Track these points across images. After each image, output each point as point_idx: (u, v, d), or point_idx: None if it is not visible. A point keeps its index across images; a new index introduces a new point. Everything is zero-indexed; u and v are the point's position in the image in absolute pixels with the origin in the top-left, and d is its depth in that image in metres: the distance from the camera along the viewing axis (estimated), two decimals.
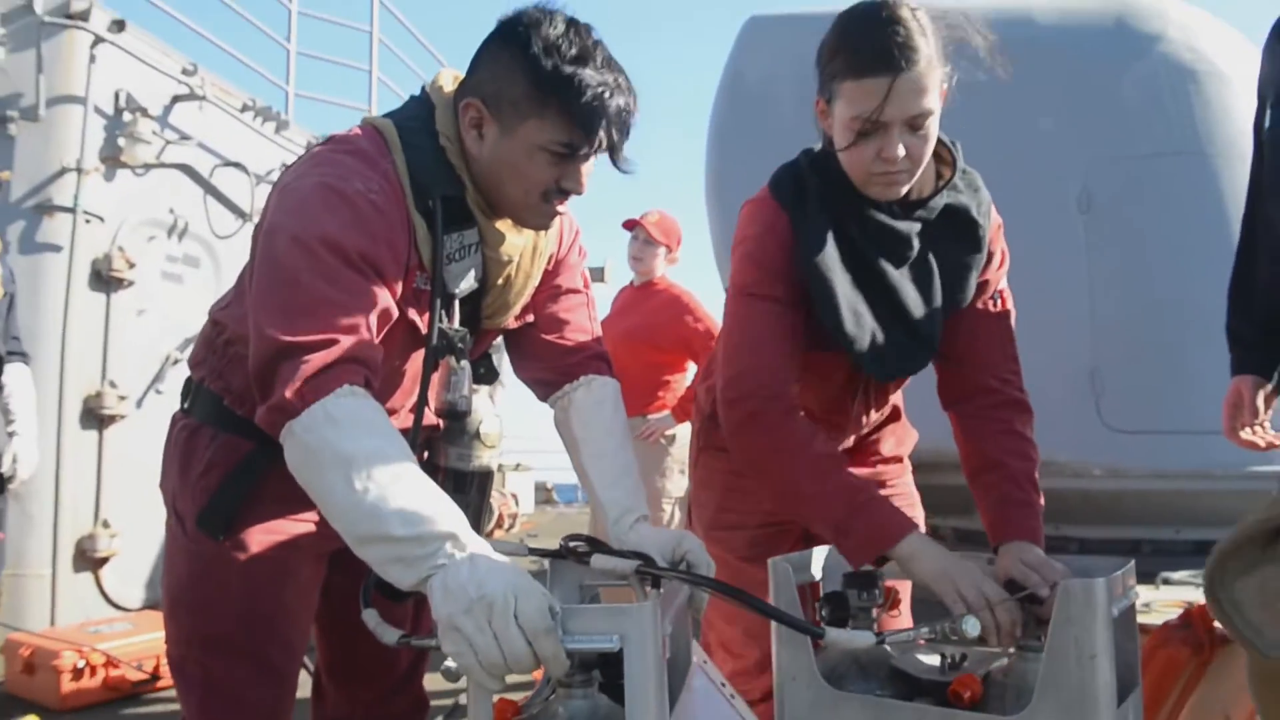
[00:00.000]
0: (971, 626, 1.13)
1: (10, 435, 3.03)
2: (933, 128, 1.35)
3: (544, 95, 1.20)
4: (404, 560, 0.98)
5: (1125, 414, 3.73)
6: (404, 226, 1.25)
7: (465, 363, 1.35)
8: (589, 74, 1.20)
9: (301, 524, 1.39)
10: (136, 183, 4.51)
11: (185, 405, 1.43)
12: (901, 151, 1.32)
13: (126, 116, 4.41)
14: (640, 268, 3.79)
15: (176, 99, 4.72)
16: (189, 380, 1.45)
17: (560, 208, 1.32)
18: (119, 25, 4.38)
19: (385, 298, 1.19)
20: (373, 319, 1.16)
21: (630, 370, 3.62)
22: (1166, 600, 2.08)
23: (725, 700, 1.24)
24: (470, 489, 1.50)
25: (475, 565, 0.95)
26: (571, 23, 1.24)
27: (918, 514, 1.75)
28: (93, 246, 4.29)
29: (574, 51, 1.21)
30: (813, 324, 1.45)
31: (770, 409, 1.39)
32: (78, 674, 3.32)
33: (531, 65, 1.20)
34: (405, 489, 1.01)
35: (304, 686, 1.53)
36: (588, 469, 1.44)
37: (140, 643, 3.51)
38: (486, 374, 1.56)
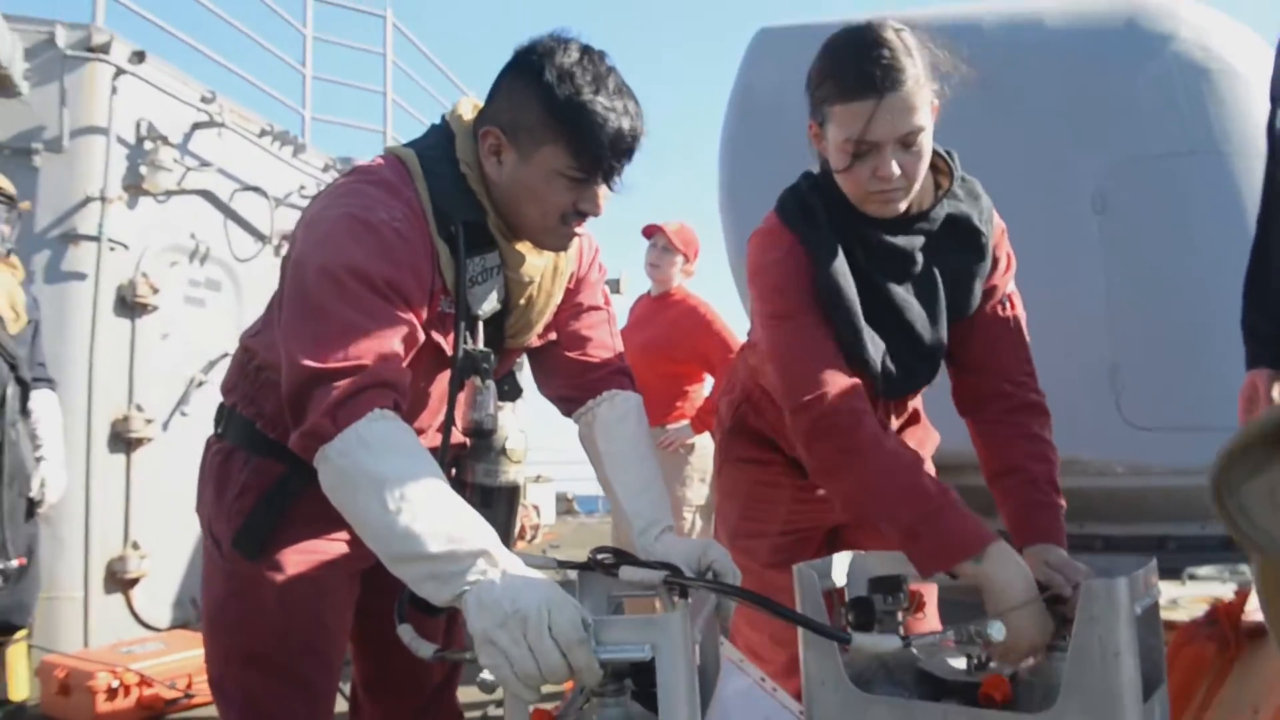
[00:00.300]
0: (997, 630, 1.14)
1: (38, 460, 3.10)
2: (925, 143, 1.37)
3: (558, 123, 1.24)
4: (439, 577, 1.01)
5: (1146, 411, 3.71)
6: (427, 252, 1.29)
7: (490, 382, 1.39)
8: (601, 101, 1.24)
9: (335, 543, 1.42)
10: (158, 210, 4.59)
11: (219, 430, 1.47)
12: (896, 170, 1.34)
13: (148, 145, 4.49)
14: (657, 275, 3.80)
15: (196, 126, 4.81)
16: (221, 406, 1.48)
17: (578, 229, 1.36)
18: (139, 56, 4.46)
19: (411, 322, 1.22)
20: (399, 343, 1.19)
21: (648, 381, 3.62)
22: (1193, 596, 2.08)
23: (768, 694, 1.26)
24: (498, 504, 1.52)
25: (509, 580, 0.99)
26: (585, 51, 1.28)
27: None
28: (117, 273, 4.37)
29: (587, 79, 1.25)
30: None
31: (838, 412, 1.37)
32: (112, 694, 3.37)
33: (546, 93, 1.24)
34: (438, 508, 1.05)
35: (341, 703, 1.56)
36: (613, 482, 1.46)
37: (172, 661, 3.54)
38: (510, 391, 1.59)
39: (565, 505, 12.59)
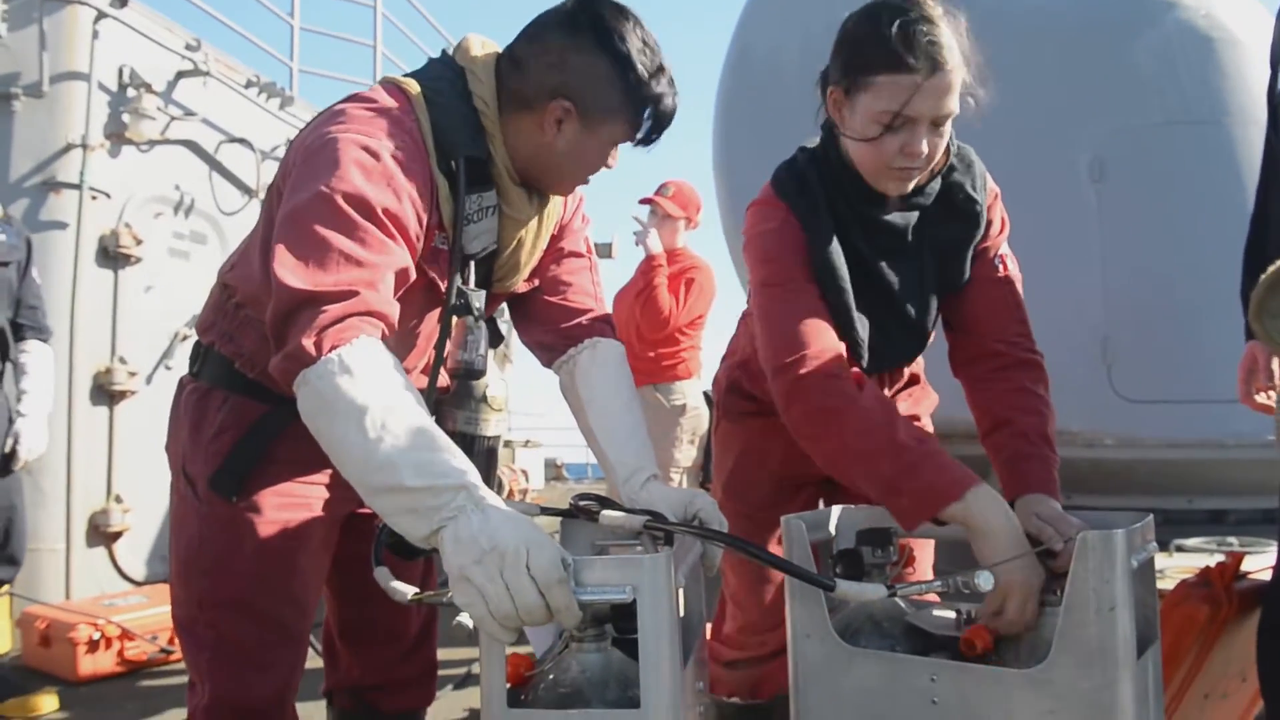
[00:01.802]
0: (985, 580, 1.11)
1: (18, 415, 3.00)
2: (950, 128, 1.38)
3: (630, 104, 1.31)
4: (416, 511, 0.98)
5: (1137, 383, 3.70)
6: (427, 185, 1.25)
7: (482, 323, 1.36)
8: (665, 87, 1.32)
9: (314, 486, 1.39)
10: (142, 159, 4.50)
11: (194, 370, 1.43)
12: (925, 148, 1.34)
13: (130, 92, 4.39)
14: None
15: (181, 75, 4.70)
16: (197, 344, 1.44)
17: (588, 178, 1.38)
18: (121, 1, 4.35)
19: (405, 256, 1.19)
20: (391, 276, 1.16)
21: (653, 341, 3.68)
22: (1180, 567, 2.07)
23: None
24: (478, 453, 1.50)
25: (487, 517, 0.95)
26: (637, 23, 1.32)
27: None
28: (100, 223, 4.29)
29: (656, 64, 1.32)
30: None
31: (817, 374, 1.35)
32: (93, 646, 3.35)
33: (621, 75, 1.29)
34: (419, 441, 1.01)
35: (313, 658, 1.53)
36: (595, 430, 1.43)
37: (154, 615, 3.53)
38: (493, 338, 1.56)
39: (554, 471, 12.63)
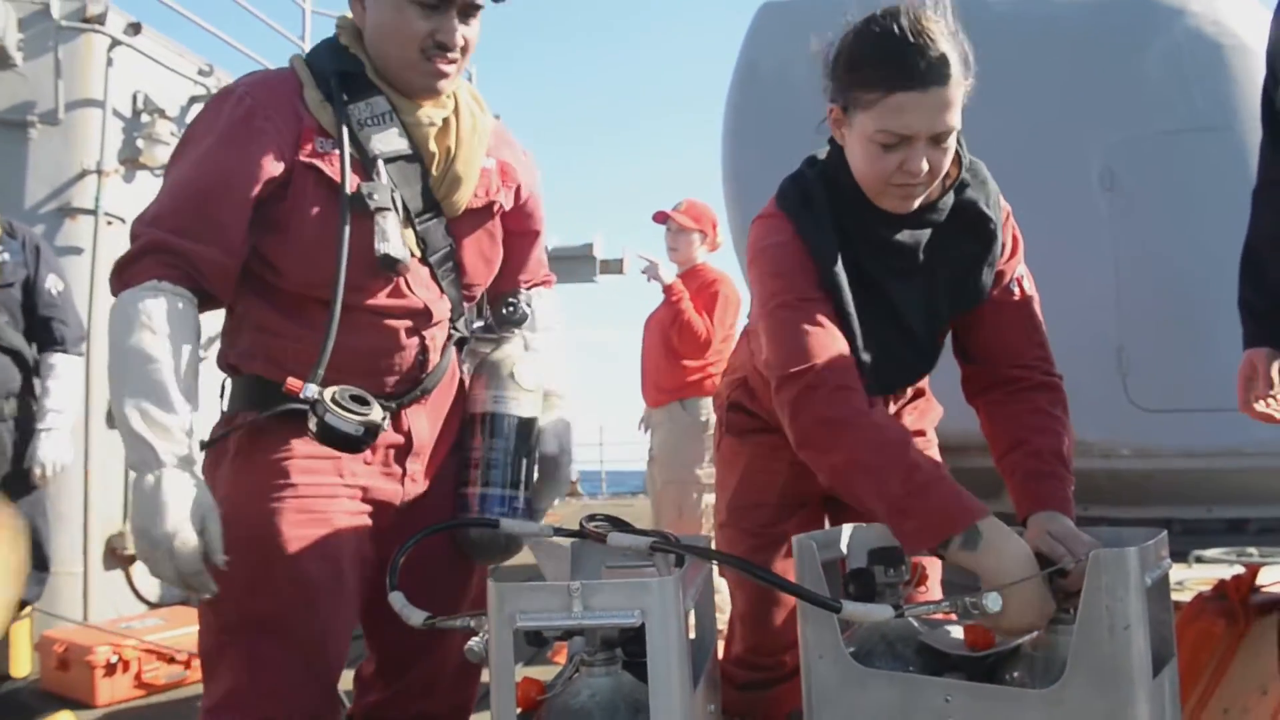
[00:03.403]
0: (993, 602, 1.11)
1: (43, 430, 3.00)
2: (952, 144, 1.34)
3: None
4: (128, 448, 1.25)
5: (1153, 392, 3.68)
6: (289, 102, 1.38)
7: (390, 213, 1.38)
8: None
9: (337, 501, 1.40)
10: (156, 184, 4.48)
11: (222, 403, 1.47)
12: (925, 165, 1.31)
13: (144, 118, 4.43)
14: (677, 257, 3.86)
15: (194, 100, 4.74)
16: (223, 382, 1.49)
17: (447, 68, 1.39)
18: (135, 28, 4.40)
19: (242, 177, 1.33)
20: (205, 201, 1.33)
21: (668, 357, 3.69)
22: (1199, 578, 2.05)
23: None
24: (507, 433, 1.52)
25: (160, 490, 1.21)
26: None
27: None
28: (115, 248, 4.27)
29: None
30: None
31: (821, 385, 1.31)
32: (111, 669, 3.35)
33: None
34: (154, 392, 1.25)
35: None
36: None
37: (171, 637, 3.53)
38: (512, 314, 1.59)
39: (568, 487, 12.58)
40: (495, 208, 1.54)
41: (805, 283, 1.41)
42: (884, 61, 1.29)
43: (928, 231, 1.44)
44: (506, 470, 1.51)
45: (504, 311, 1.60)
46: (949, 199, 1.44)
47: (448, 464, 1.54)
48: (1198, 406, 3.61)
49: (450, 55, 1.38)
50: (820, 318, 1.38)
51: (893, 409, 1.67)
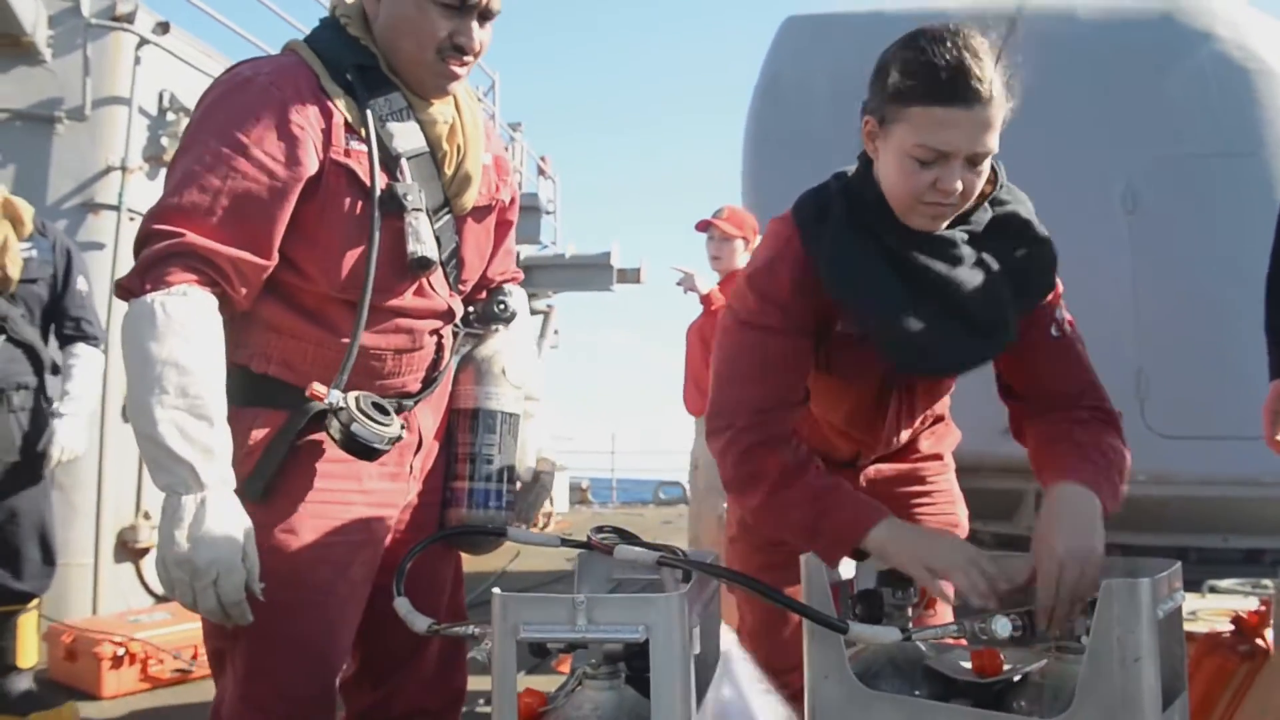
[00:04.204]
0: (1002, 627, 1.09)
1: (59, 415, 3.01)
2: (988, 165, 1.31)
3: None
4: (157, 465, 1.17)
5: (1171, 418, 3.63)
6: (315, 96, 1.33)
7: (421, 213, 1.38)
8: None
9: (351, 508, 1.40)
10: None
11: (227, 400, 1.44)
12: (959, 185, 1.27)
13: (170, 116, 4.49)
14: (720, 266, 3.84)
15: None
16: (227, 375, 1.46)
17: (460, 70, 1.38)
18: (163, 27, 4.46)
19: (270, 177, 1.27)
20: (239, 210, 1.25)
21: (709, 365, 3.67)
22: (1213, 609, 2.02)
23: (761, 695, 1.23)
24: (498, 429, 1.54)
25: (201, 513, 1.15)
26: None
27: (960, 512, 1.70)
28: None
29: None
30: (839, 337, 1.42)
31: (735, 443, 1.39)
32: (117, 662, 3.38)
33: None
34: (186, 404, 1.17)
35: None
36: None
37: (179, 632, 3.55)
38: (503, 311, 1.61)
39: (579, 495, 12.60)
40: (496, 205, 1.55)
41: (771, 306, 1.40)
42: (931, 75, 1.25)
43: (965, 235, 1.37)
44: (496, 464, 1.52)
45: (495, 309, 1.60)
46: (984, 214, 1.39)
47: (439, 459, 1.54)
48: (1216, 434, 3.57)
49: (465, 58, 1.37)
50: (765, 352, 1.40)
51: (905, 436, 1.65)
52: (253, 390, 1.38)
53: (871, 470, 1.66)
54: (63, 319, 3.07)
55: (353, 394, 1.32)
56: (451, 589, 1.59)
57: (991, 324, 1.38)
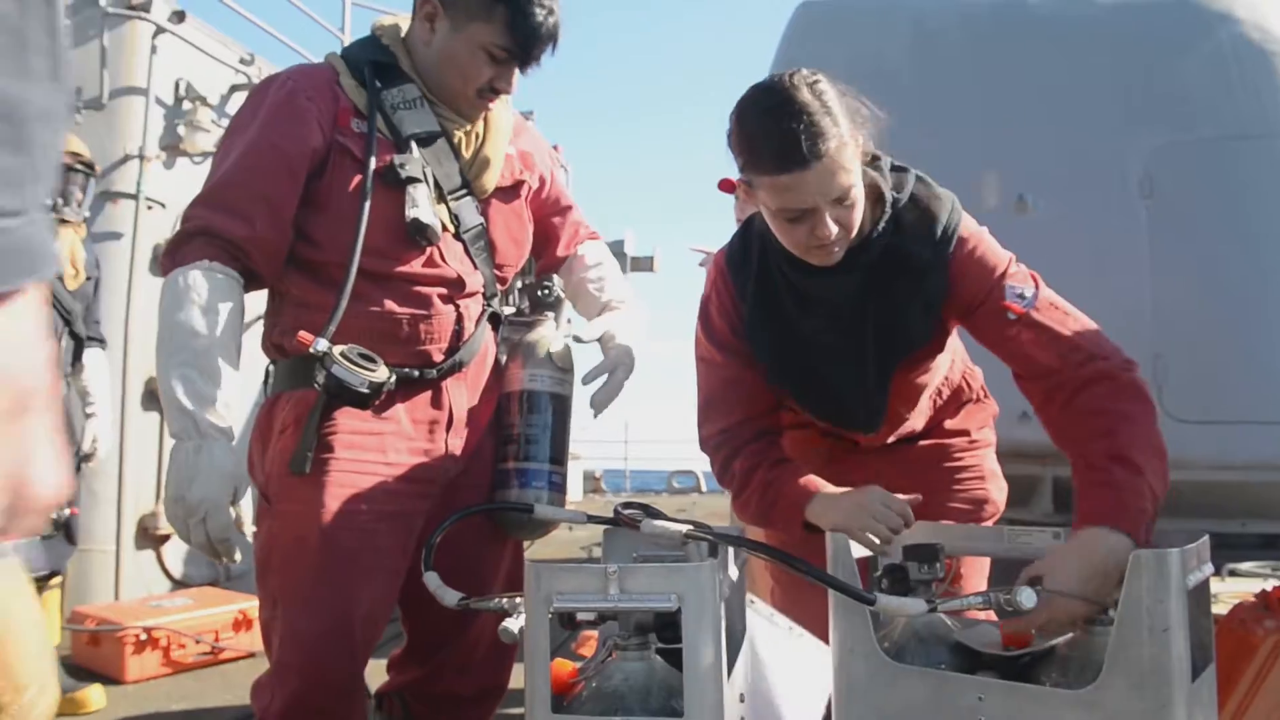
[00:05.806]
0: (1026, 598, 1.09)
1: (89, 416, 3.12)
2: (858, 194, 1.33)
3: (493, 3, 1.42)
4: (170, 415, 1.33)
5: (1189, 403, 3.62)
6: (329, 86, 1.48)
7: (422, 185, 1.46)
8: (529, 2, 1.42)
9: (377, 480, 1.44)
10: (196, 170, 4.60)
11: (266, 391, 1.53)
12: (834, 228, 1.31)
13: (186, 105, 4.50)
14: None
15: (235, 89, 4.81)
16: (266, 367, 1.54)
17: (492, 105, 1.54)
18: (179, 16, 4.47)
19: (292, 155, 1.41)
20: (257, 197, 1.39)
21: None
22: (1232, 592, 2.02)
23: (783, 632, 1.27)
24: (544, 410, 1.57)
25: (197, 458, 1.30)
26: None
27: (993, 489, 1.68)
28: (155, 232, 4.39)
29: None
30: None
31: (716, 455, 1.54)
32: (140, 646, 3.42)
33: None
34: (198, 364, 1.33)
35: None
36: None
37: (200, 617, 3.59)
38: (548, 296, 1.66)
39: (592, 484, 12.65)
40: (523, 188, 1.61)
41: (713, 343, 1.54)
42: (762, 145, 1.29)
43: (858, 276, 1.41)
44: (545, 446, 1.55)
45: (539, 295, 1.66)
46: (880, 240, 1.40)
47: (485, 443, 1.57)
48: (1234, 418, 3.56)
49: (501, 96, 1.52)
50: (723, 379, 1.54)
51: (921, 424, 1.64)
52: (286, 376, 1.48)
53: (894, 451, 1.66)
54: (89, 321, 3.14)
55: (341, 345, 1.38)
56: (506, 577, 1.60)
57: (872, 391, 1.50)
